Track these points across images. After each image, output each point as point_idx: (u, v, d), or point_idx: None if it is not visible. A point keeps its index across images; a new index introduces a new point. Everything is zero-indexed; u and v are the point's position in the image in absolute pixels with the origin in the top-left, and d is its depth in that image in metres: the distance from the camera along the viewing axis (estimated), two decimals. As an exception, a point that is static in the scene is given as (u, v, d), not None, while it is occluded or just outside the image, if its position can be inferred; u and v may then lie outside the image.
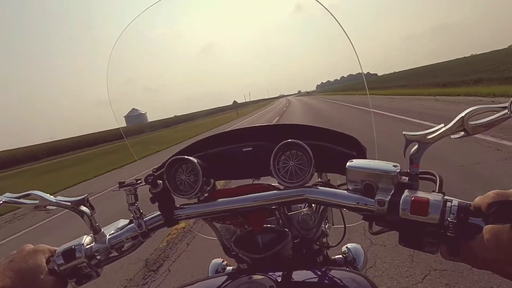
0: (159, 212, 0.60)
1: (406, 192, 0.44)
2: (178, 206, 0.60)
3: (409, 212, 0.41)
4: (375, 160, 0.50)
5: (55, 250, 0.56)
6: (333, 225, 0.85)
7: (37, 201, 0.56)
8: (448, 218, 0.39)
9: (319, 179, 0.72)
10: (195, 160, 0.61)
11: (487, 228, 0.35)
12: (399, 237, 0.44)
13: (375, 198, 0.46)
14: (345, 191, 0.51)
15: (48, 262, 0.53)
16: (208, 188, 0.67)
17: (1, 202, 0.53)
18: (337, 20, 0.70)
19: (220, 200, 0.59)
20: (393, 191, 0.45)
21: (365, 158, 0.63)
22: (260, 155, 0.64)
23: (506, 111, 0.37)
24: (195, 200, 0.62)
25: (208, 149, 0.70)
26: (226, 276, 0.59)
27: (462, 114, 0.41)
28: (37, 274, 0.50)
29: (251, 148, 0.66)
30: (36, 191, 0.57)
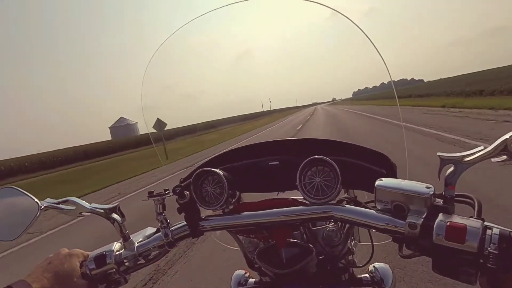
0: (185, 223, 0.61)
1: (440, 216, 0.41)
2: (203, 217, 0.61)
3: (443, 238, 0.39)
4: (406, 180, 0.48)
5: (88, 255, 0.58)
6: (359, 242, 0.82)
7: (74, 207, 0.60)
8: (489, 248, 0.36)
9: (346, 195, 0.71)
10: (221, 172, 0.62)
11: None
12: (432, 263, 0.42)
13: (406, 221, 0.43)
14: (374, 211, 0.49)
15: (81, 266, 0.56)
16: (233, 200, 0.68)
17: (43, 207, 0.57)
18: (362, 31, 0.69)
19: (244, 213, 0.59)
20: (426, 214, 0.43)
21: (395, 176, 0.60)
22: (286, 169, 0.64)
23: None
24: (220, 212, 0.63)
25: (234, 161, 0.71)
26: None
27: (506, 136, 0.39)
28: (71, 277, 0.53)
29: (277, 162, 0.66)
30: (73, 197, 0.61)
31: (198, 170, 0.63)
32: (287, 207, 0.57)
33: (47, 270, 0.52)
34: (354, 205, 0.55)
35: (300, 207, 0.56)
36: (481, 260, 0.37)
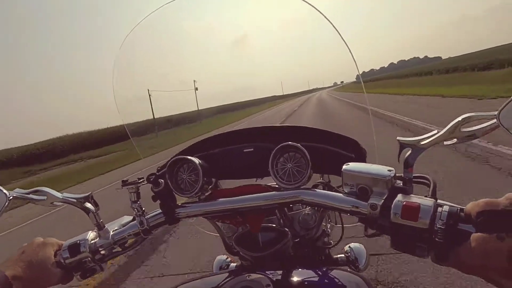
0: (160, 210, 0.62)
1: (398, 197, 0.44)
2: (179, 204, 0.62)
3: (400, 217, 0.42)
4: (371, 164, 0.51)
5: (62, 244, 0.58)
6: (335, 224, 0.86)
7: (45, 197, 0.59)
8: (438, 224, 0.39)
9: (321, 179, 0.73)
10: (196, 160, 0.63)
11: (474, 236, 0.36)
12: (390, 240, 0.45)
13: (368, 202, 0.46)
14: (341, 194, 0.52)
15: (55, 255, 0.56)
16: (210, 187, 0.69)
17: (11, 197, 0.56)
18: (331, 22, 0.70)
19: (219, 200, 0.61)
20: (386, 196, 0.46)
21: (364, 161, 0.63)
22: (261, 156, 0.65)
23: (495, 120, 0.37)
24: (196, 199, 0.64)
25: (210, 149, 0.72)
26: (227, 274, 0.60)
27: (457, 119, 0.42)
28: (45, 266, 0.53)
29: (252, 149, 0.68)
30: (44, 187, 0.60)
31: (173, 158, 0.63)
32: (260, 193, 0.59)
33: (21, 259, 0.52)
34: (327, 190, 0.58)
35: (272, 192, 0.58)
36: (432, 235, 0.40)
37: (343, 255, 0.87)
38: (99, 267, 0.60)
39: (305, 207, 0.72)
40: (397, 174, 0.48)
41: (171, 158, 0.65)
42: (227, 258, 0.92)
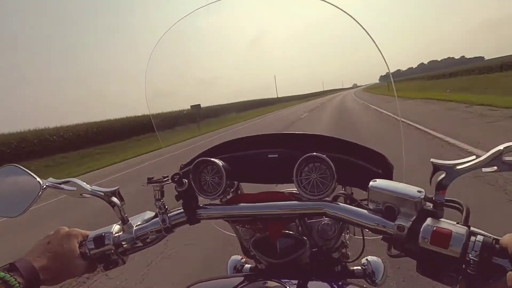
0: (182, 210, 0.63)
1: (428, 221, 0.43)
2: (201, 205, 0.63)
3: (429, 242, 0.41)
4: (399, 183, 0.49)
5: (87, 235, 0.60)
6: (354, 235, 0.85)
7: (75, 188, 0.61)
8: (470, 255, 0.37)
9: (343, 190, 0.72)
10: (220, 163, 0.63)
11: (510, 275, 0.34)
12: (416, 265, 0.44)
13: (395, 223, 0.45)
14: (365, 211, 0.51)
15: (80, 246, 0.58)
16: (232, 190, 0.69)
17: (44, 186, 0.59)
18: (360, 25, 0.68)
19: (241, 204, 0.61)
20: (414, 218, 0.44)
21: (390, 178, 0.61)
22: (285, 163, 0.65)
23: None
24: (218, 201, 0.64)
25: (234, 152, 0.72)
26: (242, 278, 0.61)
27: (499, 148, 0.40)
28: (71, 257, 0.55)
29: (277, 155, 0.67)
30: (75, 179, 0.62)
31: (198, 160, 0.64)
32: (283, 201, 0.59)
33: (47, 249, 0.53)
34: (349, 202, 0.57)
35: (295, 202, 0.57)
36: (463, 266, 0.39)
37: (359, 268, 0.85)
38: (121, 260, 0.61)
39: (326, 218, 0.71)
40: (428, 196, 0.46)
41: (195, 158, 0.65)
42: (241, 258, 0.93)
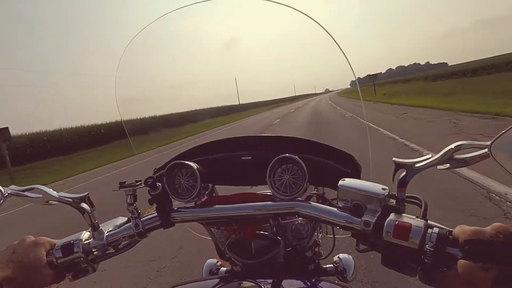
0: (156, 213, 0.62)
1: (391, 216, 0.46)
2: (175, 209, 0.63)
3: (391, 236, 0.44)
4: (367, 182, 0.52)
5: (55, 244, 0.58)
6: (326, 234, 0.88)
7: (40, 195, 0.58)
8: (427, 246, 0.41)
9: (315, 191, 0.75)
10: (194, 166, 0.64)
11: (461, 262, 0.37)
12: (381, 258, 0.46)
13: (362, 219, 0.48)
14: (335, 209, 0.53)
15: (47, 255, 0.56)
16: (206, 192, 0.69)
17: (6, 194, 0.56)
18: (329, 34, 0.71)
19: (216, 206, 0.61)
20: (379, 213, 0.48)
21: (359, 177, 0.65)
22: (258, 165, 0.66)
23: (486, 150, 0.39)
24: (192, 204, 0.64)
25: (208, 155, 0.72)
26: (218, 280, 0.61)
27: (451, 146, 0.43)
28: (37, 266, 0.52)
29: (250, 157, 0.68)
30: (40, 185, 0.59)
31: (172, 163, 0.64)
32: (257, 201, 0.60)
33: (11, 259, 0.50)
34: (321, 202, 0.60)
35: (269, 202, 0.59)
36: (422, 256, 0.42)
37: (332, 265, 0.89)
38: (92, 267, 0.59)
39: (298, 217, 0.73)
40: (391, 193, 0.50)
41: (169, 162, 0.65)
42: (217, 262, 0.93)
